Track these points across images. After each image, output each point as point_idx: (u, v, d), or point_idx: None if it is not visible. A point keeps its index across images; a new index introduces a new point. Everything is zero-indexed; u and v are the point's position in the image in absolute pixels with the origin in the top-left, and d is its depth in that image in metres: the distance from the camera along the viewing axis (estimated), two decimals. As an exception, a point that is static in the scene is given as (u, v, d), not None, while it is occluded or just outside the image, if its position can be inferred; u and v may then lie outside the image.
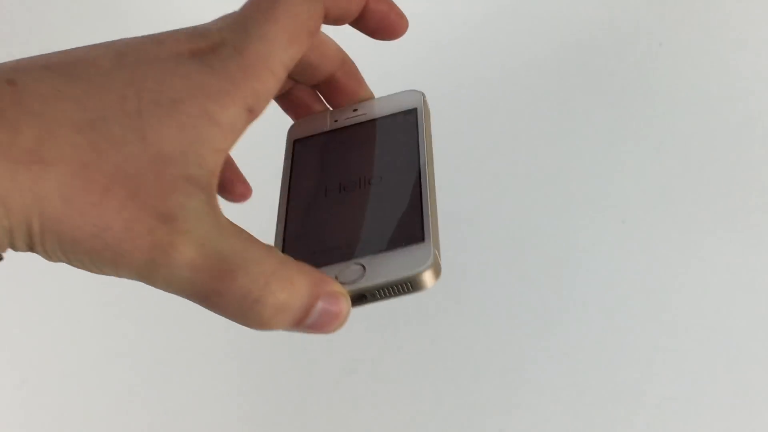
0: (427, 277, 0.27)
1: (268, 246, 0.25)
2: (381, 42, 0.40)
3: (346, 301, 0.25)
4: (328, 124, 0.34)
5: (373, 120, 0.34)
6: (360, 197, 0.31)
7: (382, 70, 0.48)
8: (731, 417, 0.43)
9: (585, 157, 0.46)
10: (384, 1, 0.31)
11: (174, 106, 0.24)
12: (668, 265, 0.45)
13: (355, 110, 0.34)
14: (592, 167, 0.46)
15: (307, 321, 0.25)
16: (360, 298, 0.27)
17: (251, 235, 0.25)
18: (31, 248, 0.23)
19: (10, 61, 0.24)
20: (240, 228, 0.24)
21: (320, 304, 0.25)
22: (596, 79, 0.47)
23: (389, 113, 0.34)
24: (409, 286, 0.27)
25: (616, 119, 0.47)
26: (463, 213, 0.45)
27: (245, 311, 0.23)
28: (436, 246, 0.27)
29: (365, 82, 0.34)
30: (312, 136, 0.34)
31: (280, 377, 0.44)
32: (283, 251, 0.28)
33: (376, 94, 0.41)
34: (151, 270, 0.23)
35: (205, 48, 0.25)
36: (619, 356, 0.44)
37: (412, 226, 0.28)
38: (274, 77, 0.26)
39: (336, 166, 0.32)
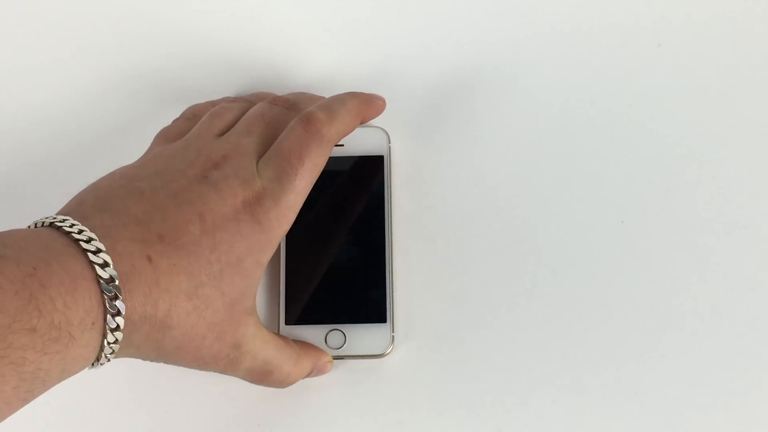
0: (387, 351, 0.42)
1: (290, 346, 0.39)
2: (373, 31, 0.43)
3: (331, 365, 0.42)
4: None
5: (341, 158, 0.39)
6: (340, 260, 0.42)
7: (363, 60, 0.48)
8: (731, 417, 0.43)
9: (583, 156, 0.46)
10: (370, 107, 0.40)
11: (239, 264, 0.35)
12: (668, 265, 0.45)
13: None
14: (590, 167, 0.46)
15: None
16: (339, 357, 0.42)
17: (280, 341, 0.39)
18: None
19: (139, 226, 0.32)
20: (274, 336, 0.38)
21: (315, 370, 0.41)
22: (594, 79, 0.47)
23: (356, 153, 0.43)
24: (373, 356, 0.42)
25: (614, 119, 0.47)
26: (459, 213, 0.45)
27: (275, 387, 0.40)
28: (393, 327, 0.42)
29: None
30: None
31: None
32: (286, 309, 0.42)
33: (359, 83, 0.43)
34: (223, 372, 0.37)
35: (253, 199, 0.35)
36: (619, 356, 0.44)
37: (378, 305, 0.42)
38: (296, 212, 0.37)
39: (314, 205, 0.38)
